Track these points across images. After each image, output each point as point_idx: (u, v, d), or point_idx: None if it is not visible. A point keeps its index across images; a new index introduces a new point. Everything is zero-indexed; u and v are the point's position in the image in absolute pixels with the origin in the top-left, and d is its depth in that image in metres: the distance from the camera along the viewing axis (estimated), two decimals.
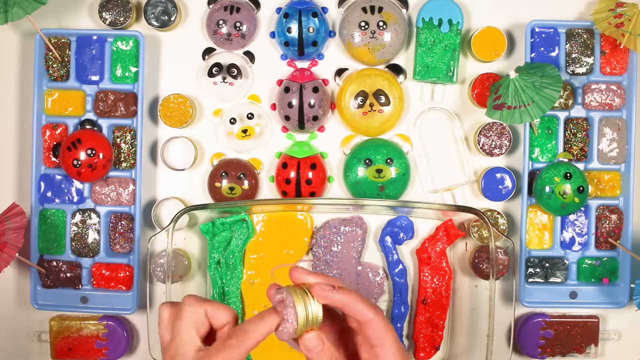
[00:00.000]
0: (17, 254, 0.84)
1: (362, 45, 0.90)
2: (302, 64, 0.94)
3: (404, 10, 0.92)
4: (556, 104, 0.91)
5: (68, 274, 0.92)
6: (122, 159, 0.93)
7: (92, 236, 0.93)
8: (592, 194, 0.92)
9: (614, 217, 0.92)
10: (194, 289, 0.92)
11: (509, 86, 0.83)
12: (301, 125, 0.92)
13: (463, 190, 0.94)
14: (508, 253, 0.91)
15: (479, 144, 0.92)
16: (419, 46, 0.91)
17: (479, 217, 0.84)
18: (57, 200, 0.93)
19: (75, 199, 0.93)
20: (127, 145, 0.93)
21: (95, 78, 0.92)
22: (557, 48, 0.92)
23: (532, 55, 0.92)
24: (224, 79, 0.92)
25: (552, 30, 0.92)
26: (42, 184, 0.93)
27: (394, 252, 0.92)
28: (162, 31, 0.94)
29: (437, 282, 0.91)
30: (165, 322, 0.59)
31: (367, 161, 0.91)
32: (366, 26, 0.90)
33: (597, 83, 0.92)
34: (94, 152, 0.89)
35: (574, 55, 0.92)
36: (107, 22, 0.92)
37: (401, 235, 0.92)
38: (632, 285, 0.89)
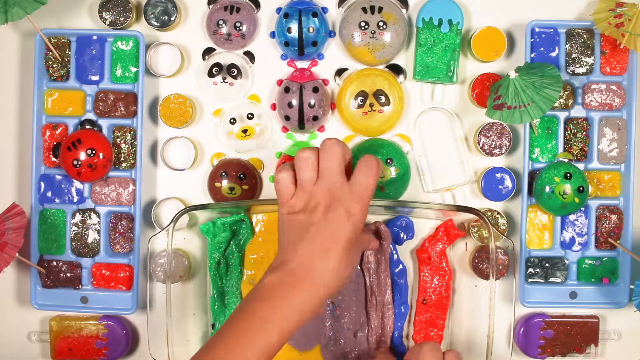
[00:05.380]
0: (17, 254, 0.84)
1: (362, 45, 0.90)
2: (302, 64, 0.94)
3: (404, 10, 0.92)
4: (556, 104, 0.91)
5: (68, 274, 0.92)
6: (122, 159, 0.93)
7: (92, 236, 0.93)
8: (592, 194, 0.92)
9: (614, 217, 0.92)
10: (194, 289, 0.92)
11: (509, 86, 0.83)
12: (301, 126, 0.92)
13: (463, 190, 0.94)
14: (508, 253, 0.91)
15: (479, 144, 0.92)
16: (419, 46, 0.91)
17: (479, 217, 0.84)
18: (57, 200, 0.93)
19: (75, 199, 0.93)
20: (127, 145, 0.93)
21: (95, 78, 0.92)
22: (557, 48, 0.92)
23: (532, 55, 0.91)
24: (224, 79, 0.92)
25: (552, 30, 0.92)
26: (42, 184, 0.93)
27: (394, 252, 0.92)
28: (162, 31, 0.94)
29: (437, 282, 0.91)
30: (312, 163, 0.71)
31: None
32: (366, 26, 0.90)
33: (597, 83, 0.92)
34: (94, 152, 0.89)
35: (574, 55, 0.92)
36: (107, 22, 0.92)
37: (401, 235, 0.92)
38: (632, 287, 0.89)
